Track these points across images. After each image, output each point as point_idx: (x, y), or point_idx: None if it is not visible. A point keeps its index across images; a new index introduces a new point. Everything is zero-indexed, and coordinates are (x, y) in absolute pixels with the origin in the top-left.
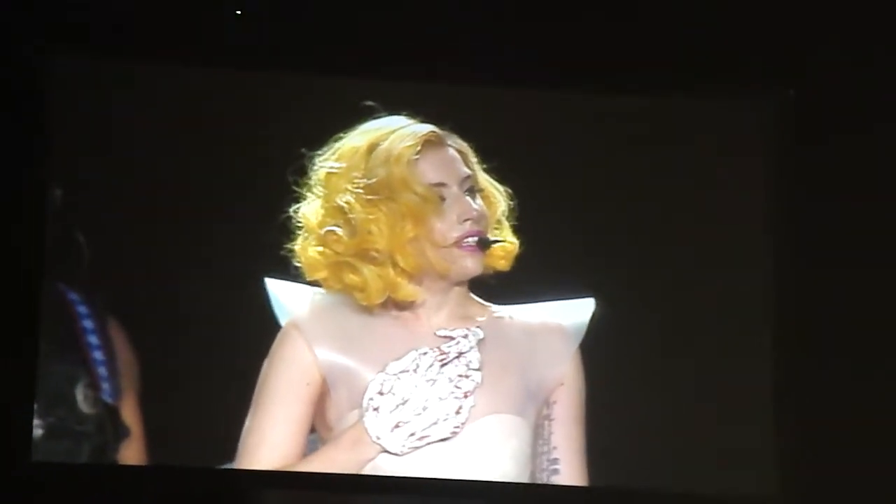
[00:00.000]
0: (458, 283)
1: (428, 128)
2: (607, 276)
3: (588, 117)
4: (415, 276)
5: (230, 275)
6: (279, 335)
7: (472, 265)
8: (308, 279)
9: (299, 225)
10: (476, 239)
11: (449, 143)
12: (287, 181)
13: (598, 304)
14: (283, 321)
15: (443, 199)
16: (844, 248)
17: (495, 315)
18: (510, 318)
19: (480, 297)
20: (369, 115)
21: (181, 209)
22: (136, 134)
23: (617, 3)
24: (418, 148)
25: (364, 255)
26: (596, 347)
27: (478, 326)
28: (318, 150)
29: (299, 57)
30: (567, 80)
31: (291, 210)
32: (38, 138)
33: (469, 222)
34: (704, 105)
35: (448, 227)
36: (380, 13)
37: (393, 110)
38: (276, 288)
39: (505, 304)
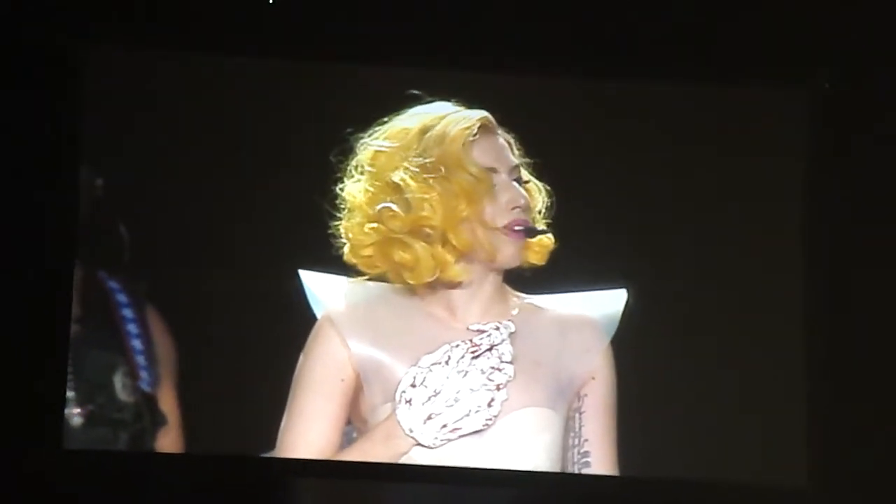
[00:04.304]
0: (495, 272)
1: (482, 113)
2: (640, 268)
3: (623, 108)
4: (464, 256)
5: (269, 264)
6: (314, 329)
7: (515, 252)
8: (351, 257)
9: (341, 204)
10: (523, 227)
11: (499, 131)
12: (327, 170)
13: (630, 297)
14: (318, 313)
15: (493, 184)
16: (875, 239)
17: (528, 307)
18: (543, 309)
19: (514, 288)
20: (413, 102)
21: (221, 198)
22: (176, 123)
23: None
24: (474, 131)
25: (418, 232)
26: (628, 340)
27: (510, 319)
28: (363, 132)
29: (341, 46)
30: (602, 71)
31: (337, 188)
32: (78, 127)
33: (517, 210)
34: (740, 98)
35: (498, 211)
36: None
37: (436, 99)
38: (311, 280)
39: (538, 293)
